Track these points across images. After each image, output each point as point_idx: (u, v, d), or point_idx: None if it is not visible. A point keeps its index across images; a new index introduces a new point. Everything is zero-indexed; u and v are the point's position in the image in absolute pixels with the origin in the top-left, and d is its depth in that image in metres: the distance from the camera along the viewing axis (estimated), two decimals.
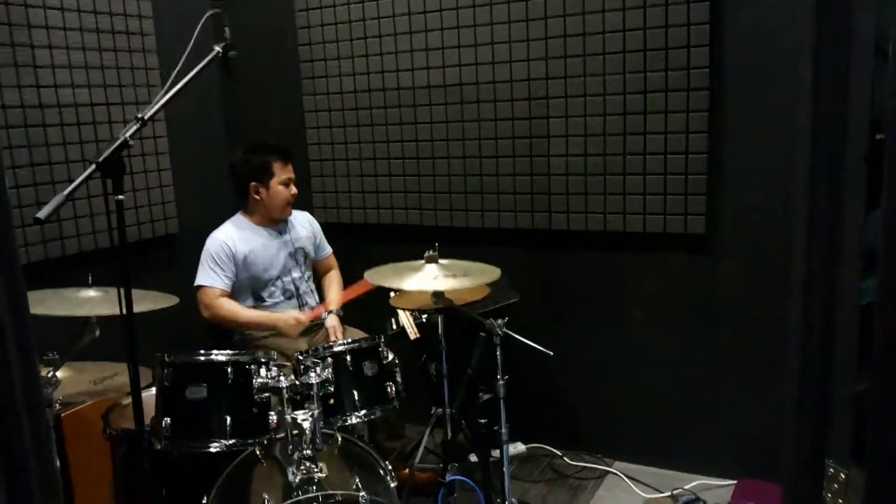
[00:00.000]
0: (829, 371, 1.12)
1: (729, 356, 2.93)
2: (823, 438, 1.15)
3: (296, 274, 3.01)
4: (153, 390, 2.25)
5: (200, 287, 2.86)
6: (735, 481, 2.93)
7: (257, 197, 2.94)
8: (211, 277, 2.85)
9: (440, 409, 2.90)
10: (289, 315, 2.84)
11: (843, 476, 1.12)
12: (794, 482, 1.20)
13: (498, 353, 2.29)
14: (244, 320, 2.88)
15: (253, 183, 2.93)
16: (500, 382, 2.30)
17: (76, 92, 3.03)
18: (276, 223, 3.01)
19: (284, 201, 2.96)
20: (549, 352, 2.29)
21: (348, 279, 3.20)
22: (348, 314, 3.06)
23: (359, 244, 3.46)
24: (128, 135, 1.76)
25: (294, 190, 2.98)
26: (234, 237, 2.92)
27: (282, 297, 2.97)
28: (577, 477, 3.12)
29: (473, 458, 3.04)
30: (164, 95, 1.90)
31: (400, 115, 3.36)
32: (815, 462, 1.16)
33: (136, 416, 1.78)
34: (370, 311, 3.02)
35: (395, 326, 3.04)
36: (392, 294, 2.89)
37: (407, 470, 2.88)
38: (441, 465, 2.90)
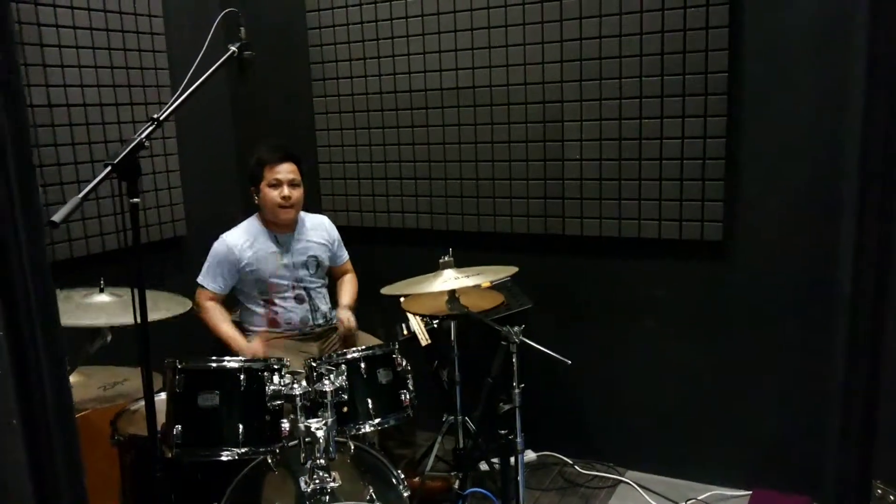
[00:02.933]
0: (876, 385, 1.08)
1: (744, 365, 2.89)
2: (870, 457, 1.10)
3: (308, 281, 2.96)
4: (162, 395, 2.22)
5: (198, 284, 2.86)
6: (750, 492, 2.89)
7: (256, 200, 2.90)
8: (208, 279, 2.85)
9: (452, 417, 2.87)
10: (250, 346, 2.74)
11: (892, 498, 1.08)
12: (838, 503, 1.15)
13: (514, 360, 2.26)
14: (219, 334, 2.81)
15: (252, 186, 2.90)
16: (517, 391, 2.26)
17: (85, 91, 2.99)
18: (287, 228, 2.94)
19: (274, 204, 2.83)
20: (566, 360, 2.24)
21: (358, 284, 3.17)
22: (359, 319, 3.02)
23: (369, 248, 3.42)
24: (143, 136, 1.72)
25: (286, 192, 2.82)
26: (241, 243, 2.87)
27: (293, 302, 2.92)
28: (589, 486, 3.07)
29: (484, 466, 3.00)
30: (179, 96, 1.86)
31: (412, 118, 3.32)
32: (860, 482, 1.12)
33: (150, 423, 1.74)
34: (381, 316, 2.98)
35: (405, 332, 3.01)
36: (402, 299, 2.85)
37: (417, 478, 2.84)
38: (452, 473, 2.87)
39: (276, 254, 2.89)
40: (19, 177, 0.60)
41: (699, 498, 2.91)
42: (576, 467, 3.19)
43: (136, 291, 1.66)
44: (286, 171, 2.84)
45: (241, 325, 2.99)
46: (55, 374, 0.62)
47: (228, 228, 2.95)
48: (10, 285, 0.56)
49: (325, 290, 3.05)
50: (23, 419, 0.57)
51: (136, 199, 1.68)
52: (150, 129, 1.76)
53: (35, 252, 0.59)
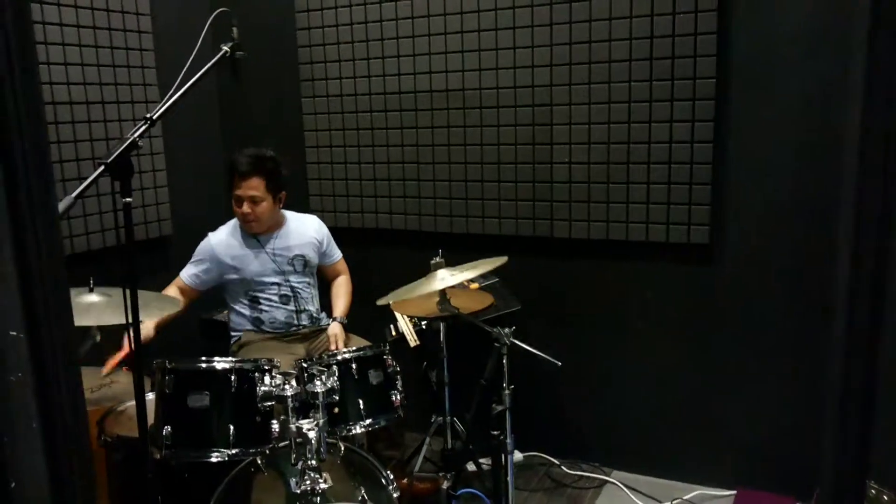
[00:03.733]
0: (874, 384, 1.10)
1: (729, 366, 2.92)
2: (865, 457, 1.12)
3: (294, 280, 2.95)
4: (151, 396, 2.20)
5: None
6: (734, 492, 2.92)
7: None
8: (185, 269, 2.90)
9: (440, 418, 2.87)
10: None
11: (886, 498, 1.10)
12: (832, 502, 1.17)
13: (504, 362, 2.26)
14: None
15: None
16: (507, 392, 2.27)
17: (72, 89, 2.96)
18: (268, 230, 2.93)
19: (240, 217, 2.85)
20: (556, 362, 2.26)
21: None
22: (347, 319, 3.02)
23: (357, 249, 3.42)
24: (136, 135, 1.70)
25: (245, 209, 2.79)
26: (223, 244, 2.88)
27: (278, 302, 2.92)
28: (576, 486, 3.09)
29: (471, 467, 3.01)
30: (172, 95, 1.85)
31: (400, 120, 3.33)
32: (855, 482, 1.14)
33: (141, 424, 1.73)
34: (369, 317, 2.98)
35: (394, 333, 3.01)
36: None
37: (405, 479, 2.84)
38: (440, 474, 2.87)
39: (257, 254, 2.88)
40: (38, 177, 0.59)
41: (684, 498, 2.94)
42: (562, 468, 3.20)
43: (128, 291, 1.64)
44: (247, 187, 2.78)
45: (228, 327, 2.98)
46: (69, 377, 0.62)
47: (214, 228, 2.95)
48: (29, 288, 0.56)
49: (313, 290, 3.04)
50: (41, 422, 0.57)
51: (128, 199, 1.67)
52: (144, 127, 1.74)
53: (51, 252, 0.59)
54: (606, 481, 3.11)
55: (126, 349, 2.47)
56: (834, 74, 2.57)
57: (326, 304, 3.10)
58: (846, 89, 2.53)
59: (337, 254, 3.15)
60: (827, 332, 2.47)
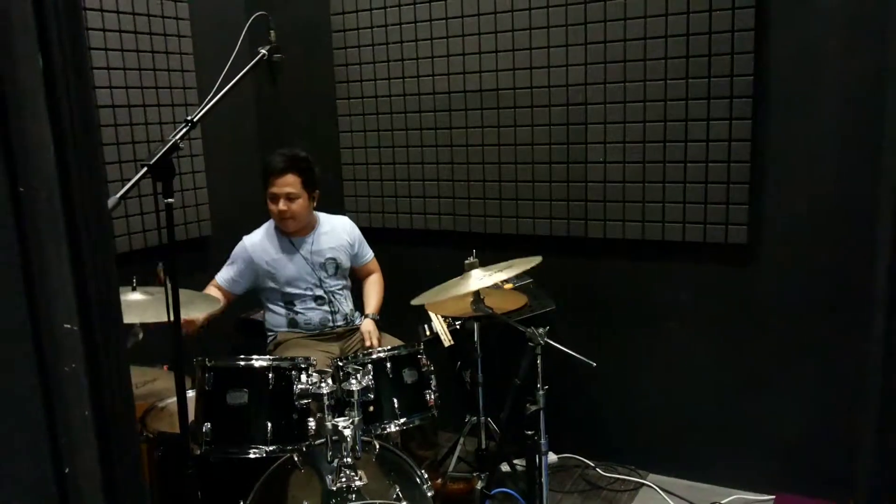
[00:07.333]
0: None
1: (767, 369, 2.88)
2: None
3: (328, 282, 2.98)
4: (191, 393, 2.24)
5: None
6: (773, 497, 2.88)
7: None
8: (221, 272, 2.95)
9: (474, 418, 2.88)
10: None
11: None
12: None
13: (538, 362, 2.26)
14: None
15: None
16: (541, 392, 2.27)
17: (114, 93, 3.03)
18: (301, 232, 2.96)
19: (276, 215, 2.88)
20: (591, 362, 2.25)
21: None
22: (380, 320, 3.04)
23: (391, 250, 3.44)
24: (178, 137, 1.74)
25: (282, 206, 2.82)
26: (258, 247, 2.92)
27: (313, 304, 2.95)
28: (611, 489, 3.07)
29: (504, 467, 3.01)
30: (212, 98, 1.89)
31: (435, 120, 3.34)
32: (893, 491, 1.12)
33: (181, 421, 1.76)
34: (403, 317, 2.99)
35: (428, 333, 3.02)
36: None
37: (439, 479, 2.85)
38: (474, 474, 2.88)
39: (292, 258, 2.92)
40: (90, 179, 0.62)
41: (722, 502, 2.90)
42: (598, 470, 3.18)
43: (169, 289, 1.68)
44: (283, 184, 2.83)
45: (264, 327, 3.02)
46: (119, 368, 0.64)
47: (252, 229, 3.00)
48: (83, 284, 0.58)
49: (346, 292, 3.07)
50: (93, 411, 0.59)
51: (170, 200, 1.71)
52: (185, 130, 1.78)
53: (103, 250, 0.61)
54: (642, 484, 3.08)
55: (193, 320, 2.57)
56: (877, 70, 2.52)
57: (359, 304, 3.13)
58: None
59: (369, 254, 3.18)
60: (867, 335, 2.41)
